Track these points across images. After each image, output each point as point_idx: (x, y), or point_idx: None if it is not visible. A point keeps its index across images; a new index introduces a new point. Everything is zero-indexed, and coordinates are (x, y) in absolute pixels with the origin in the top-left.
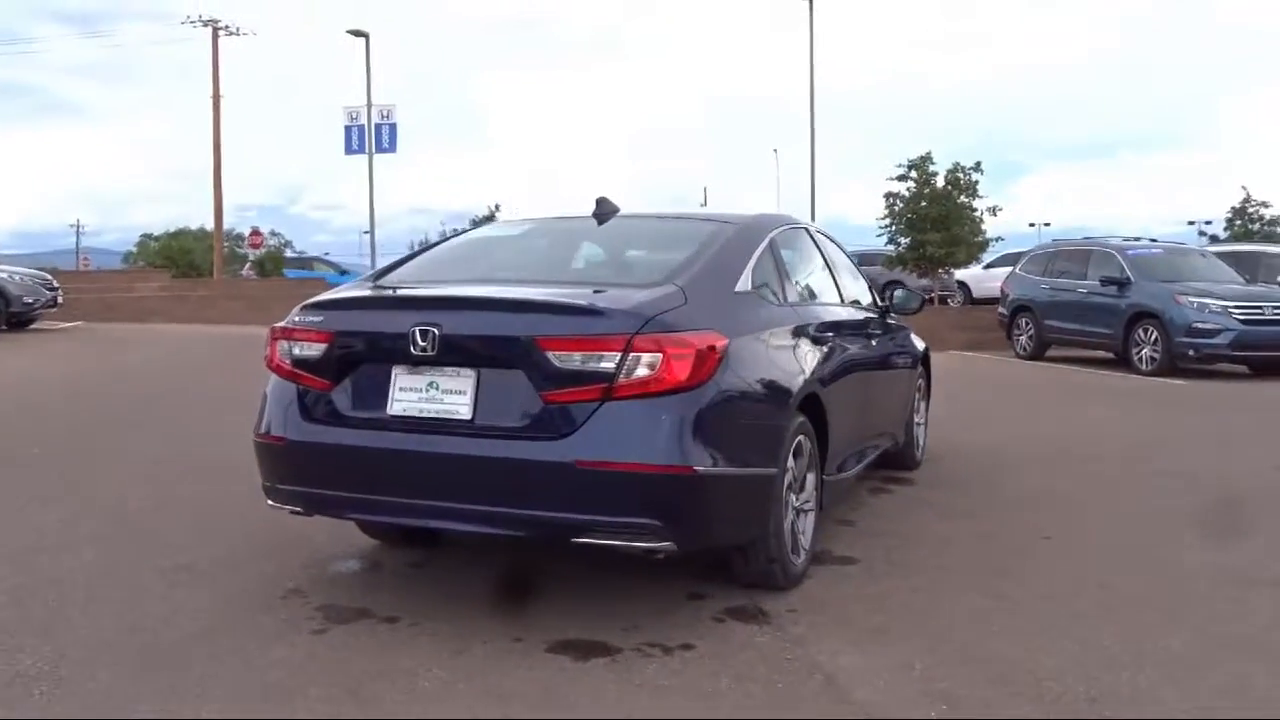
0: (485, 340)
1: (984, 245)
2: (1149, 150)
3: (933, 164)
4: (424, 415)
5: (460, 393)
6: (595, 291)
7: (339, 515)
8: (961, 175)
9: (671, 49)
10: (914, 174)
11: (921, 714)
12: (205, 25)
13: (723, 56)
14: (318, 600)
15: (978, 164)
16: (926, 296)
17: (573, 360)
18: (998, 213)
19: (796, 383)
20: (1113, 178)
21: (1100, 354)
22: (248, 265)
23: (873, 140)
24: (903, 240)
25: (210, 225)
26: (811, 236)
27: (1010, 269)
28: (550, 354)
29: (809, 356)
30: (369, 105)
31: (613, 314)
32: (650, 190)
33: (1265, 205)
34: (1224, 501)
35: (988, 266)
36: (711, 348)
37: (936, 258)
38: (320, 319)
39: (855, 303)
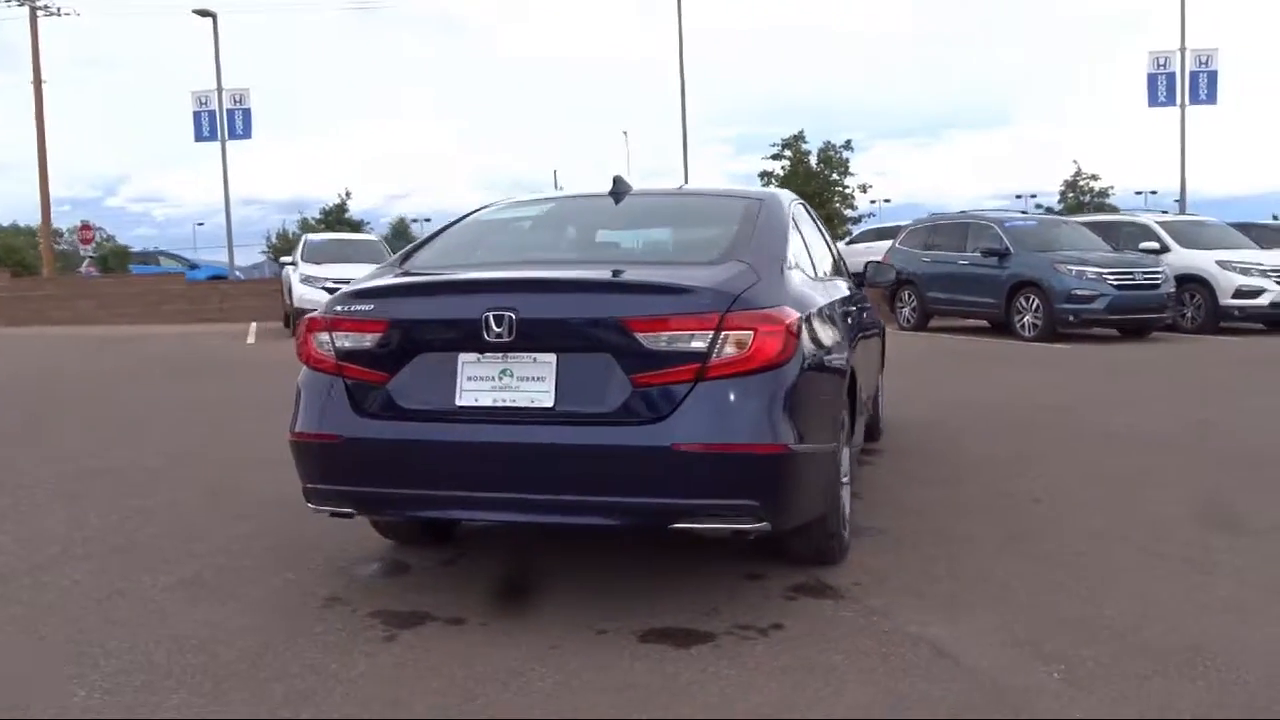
0: (567, 323)
1: (857, 220)
2: (974, 128)
3: (805, 142)
4: (499, 405)
5: (539, 379)
6: (673, 269)
7: (397, 515)
8: (833, 153)
9: (516, 28)
10: (788, 152)
11: (1043, 676)
12: (21, 4)
13: (567, 34)
14: (365, 607)
15: (848, 142)
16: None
17: (664, 341)
18: (868, 189)
19: (845, 356)
20: (940, 154)
21: (978, 323)
22: (86, 262)
23: (700, 121)
24: None
25: (24, 221)
26: (807, 211)
27: (889, 243)
28: (640, 335)
29: (844, 330)
30: (219, 90)
31: (703, 292)
32: (499, 171)
33: (1095, 178)
34: (1169, 456)
35: (850, 242)
36: (794, 324)
37: None
38: (371, 307)
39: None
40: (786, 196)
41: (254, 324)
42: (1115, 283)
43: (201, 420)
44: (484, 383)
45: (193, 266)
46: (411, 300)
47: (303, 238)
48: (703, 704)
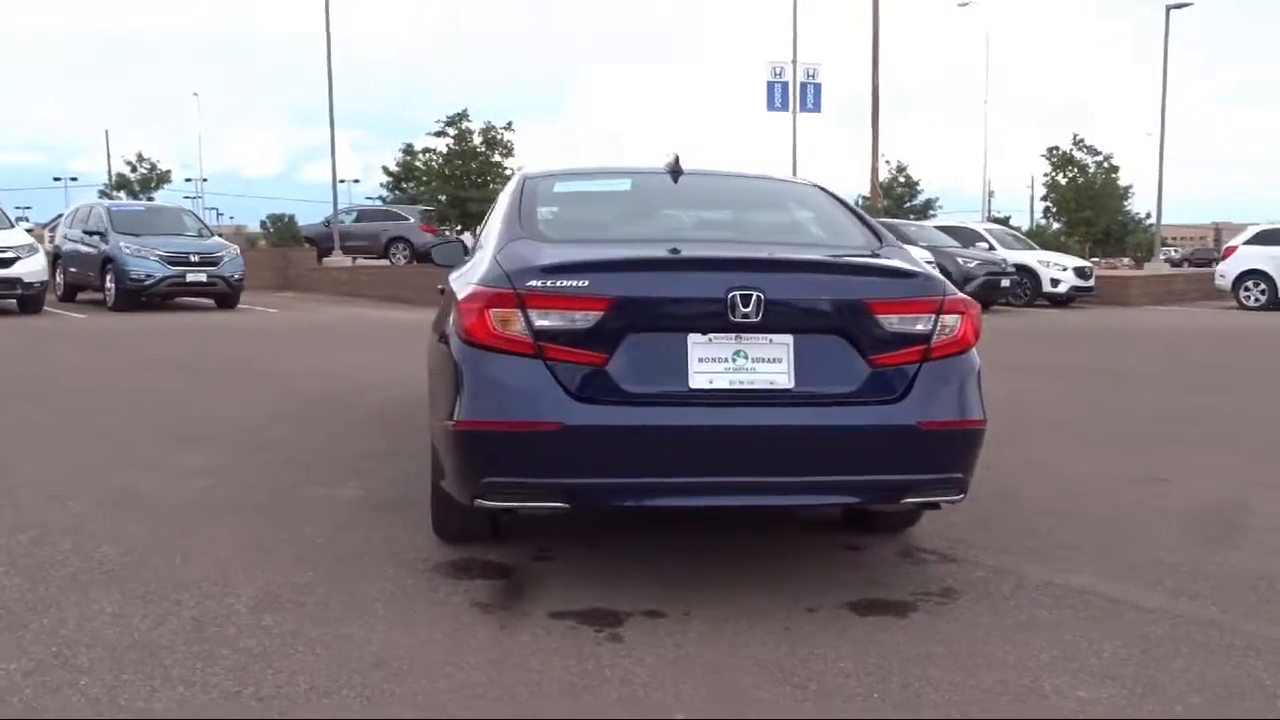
0: (809, 304)
1: None
2: (537, 116)
3: (468, 121)
4: (737, 387)
5: (776, 360)
6: (873, 255)
7: (613, 506)
8: (496, 134)
9: None
10: (451, 130)
11: (1206, 610)
12: None
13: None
14: (533, 610)
15: (509, 123)
16: None
17: (897, 323)
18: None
19: None
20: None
21: None
22: None
23: (258, 91)
24: (442, 197)
25: None
26: None
27: None
28: (880, 317)
29: None
30: None
31: (926, 277)
32: (34, 132)
33: None
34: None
35: None
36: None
37: (481, 214)
38: (586, 283)
39: None
40: None
41: None
42: None
43: None
44: (716, 364)
45: None
46: (640, 277)
47: None
48: (1021, 663)
